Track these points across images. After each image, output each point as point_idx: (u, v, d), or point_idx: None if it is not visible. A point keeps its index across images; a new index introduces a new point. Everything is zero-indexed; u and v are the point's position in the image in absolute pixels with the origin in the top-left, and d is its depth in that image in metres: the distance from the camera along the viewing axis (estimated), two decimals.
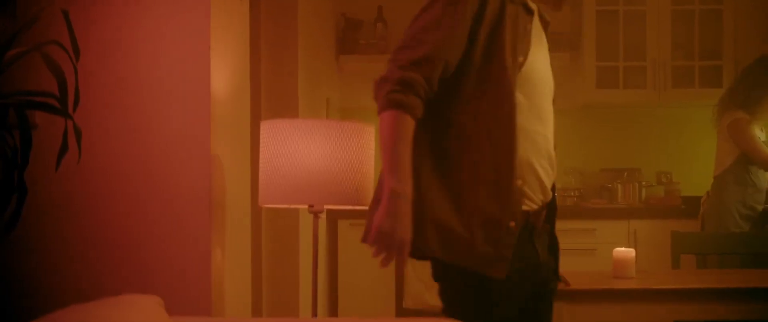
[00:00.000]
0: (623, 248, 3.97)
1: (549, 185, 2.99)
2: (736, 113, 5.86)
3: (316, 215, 3.97)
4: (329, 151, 3.78)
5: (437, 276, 2.94)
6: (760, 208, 5.93)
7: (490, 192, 2.80)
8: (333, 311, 7.16)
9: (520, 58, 2.86)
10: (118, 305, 2.60)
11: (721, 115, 6.01)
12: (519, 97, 2.84)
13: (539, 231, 3.01)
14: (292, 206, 4.08)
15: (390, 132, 2.70)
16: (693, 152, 7.63)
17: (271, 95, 5.43)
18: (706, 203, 6.15)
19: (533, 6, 3.02)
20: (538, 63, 2.94)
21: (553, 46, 3.27)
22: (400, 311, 6.97)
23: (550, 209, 3.09)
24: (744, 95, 5.87)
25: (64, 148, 2.67)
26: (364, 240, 2.83)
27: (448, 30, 2.77)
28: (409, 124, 2.73)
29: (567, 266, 3.41)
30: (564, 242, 3.23)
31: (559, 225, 3.20)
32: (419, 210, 2.76)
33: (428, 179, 2.80)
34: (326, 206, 3.93)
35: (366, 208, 3.98)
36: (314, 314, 4.08)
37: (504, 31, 2.83)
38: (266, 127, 3.87)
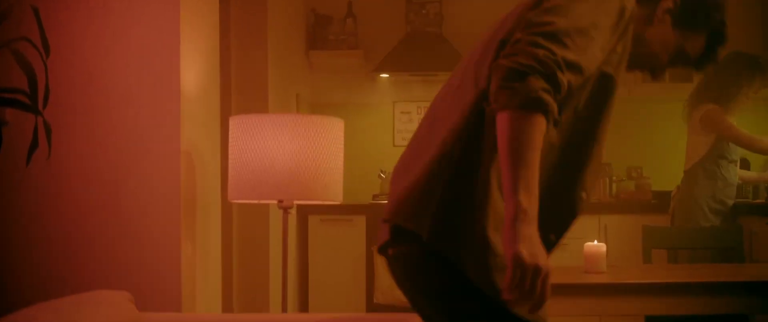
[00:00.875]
0: (594, 243, 3.97)
1: None
2: (708, 106, 5.86)
3: (285, 210, 3.96)
4: (299, 146, 3.77)
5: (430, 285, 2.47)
6: (730, 202, 5.95)
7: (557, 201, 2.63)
8: (303, 306, 7.16)
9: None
10: (88, 301, 2.59)
11: (692, 110, 6.00)
12: None
13: None
14: (262, 202, 4.07)
15: (532, 138, 2.16)
16: (664, 147, 7.66)
17: (241, 91, 5.42)
18: (677, 198, 6.16)
19: None
20: None
21: None
22: (371, 307, 6.98)
23: None
24: (718, 92, 5.85)
25: (34, 144, 2.65)
26: (504, 292, 2.25)
27: (600, 43, 2.42)
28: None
29: None
30: None
31: None
32: (473, 217, 2.38)
33: (495, 187, 2.38)
34: (296, 202, 3.92)
35: (335, 203, 4.00)
36: (284, 309, 4.07)
37: (622, 61, 2.66)
38: (235, 123, 3.86)
